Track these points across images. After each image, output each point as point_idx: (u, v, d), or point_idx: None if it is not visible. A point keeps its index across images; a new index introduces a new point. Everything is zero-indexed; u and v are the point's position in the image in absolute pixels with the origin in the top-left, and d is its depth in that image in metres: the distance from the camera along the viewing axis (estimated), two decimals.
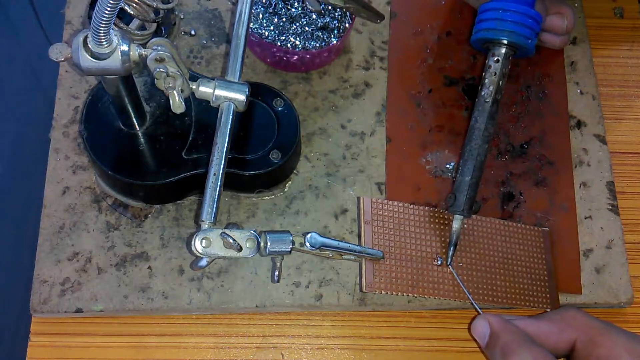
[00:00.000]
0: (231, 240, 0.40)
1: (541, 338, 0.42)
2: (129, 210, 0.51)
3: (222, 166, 0.43)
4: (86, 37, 0.40)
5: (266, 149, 0.49)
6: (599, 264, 0.52)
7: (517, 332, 0.43)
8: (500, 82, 0.50)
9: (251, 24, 0.55)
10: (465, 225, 0.50)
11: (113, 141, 0.49)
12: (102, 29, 0.38)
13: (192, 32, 0.57)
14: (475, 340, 0.45)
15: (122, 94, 0.45)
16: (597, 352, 0.41)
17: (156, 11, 0.51)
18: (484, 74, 0.51)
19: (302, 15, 0.56)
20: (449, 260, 0.49)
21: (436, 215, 0.51)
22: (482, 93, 0.50)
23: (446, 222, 0.50)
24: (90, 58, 0.40)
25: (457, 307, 0.50)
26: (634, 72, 0.61)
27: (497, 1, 0.51)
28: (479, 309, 0.47)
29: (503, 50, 0.50)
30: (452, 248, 0.49)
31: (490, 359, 0.43)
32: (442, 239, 0.50)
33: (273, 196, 0.52)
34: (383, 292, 0.47)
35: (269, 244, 0.42)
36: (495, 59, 0.50)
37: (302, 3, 0.56)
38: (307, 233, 0.44)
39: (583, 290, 0.51)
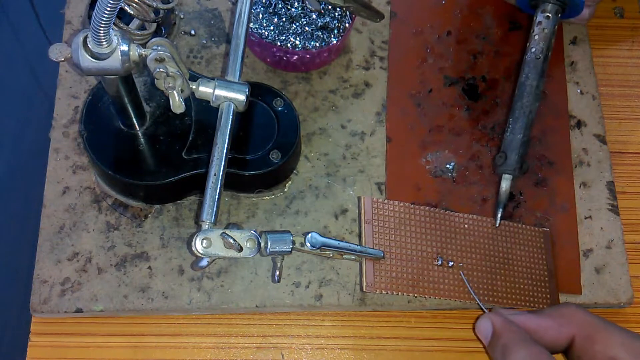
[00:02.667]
0: (232, 241, 0.40)
1: (540, 333, 0.43)
2: (129, 210, 0.51)
3: (222, 166, 0.43)
4: (86, 37, 0.40)
5: (266, 149, 0.49)
6: (599, 264, 0.52)
7: (517, 331, 0.43)
8: (552, 40, 0.49)
9: (251, 24, 0.55)
10: (465, 225, 0.50)
11: (113, 141, 0.49)
12: (102, 29, 0.38)
13: (192, 32, 0.57)
14: (479, 339, 0.46)
15: (122, 94, 0.45)
16: (595, 348, 0.41)
17: (156, 11, 0.51)
18: (532, 31, 0.50)
19: (302, 15, 0.56)
20: (498, 222, 0.48)
21: (436, 214, 0.51)
22: (533, 50, 0.49)
23: (446, 221, 0.50)
24: (90, 58, 0.40)
25: (457, 307, 0.50)
26: (634, 72, 0.61)
27: None
28: (484, 309, 0.48)
29: (554, 6, 0.50)
30: (500, 209, 0.48)
31: (492, 357, 0.44)
32: (443, 238, 0.50)
33: (273, 196, 0.52)
34: (384, 292, 0.47)
35: (269, 244, 0.42)
36: (546, 15, 0.50)
37: (302, 3, 0.56)
38: (308, 233, 0.44)
39: (583, 290, 0.51)
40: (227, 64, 0.47)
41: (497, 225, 0.49)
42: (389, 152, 0.54)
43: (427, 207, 0.51)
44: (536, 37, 0.49)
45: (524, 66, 0.49)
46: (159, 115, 0.50)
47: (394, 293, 0.47)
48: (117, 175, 0.48)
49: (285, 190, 0.52)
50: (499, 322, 0.44)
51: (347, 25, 0.56)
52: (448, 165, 0.54)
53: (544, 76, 0.49)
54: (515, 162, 0.47)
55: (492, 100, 0.57)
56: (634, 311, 0.52)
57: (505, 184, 0.48)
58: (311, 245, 0.43)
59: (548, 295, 0.50)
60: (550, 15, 0.49)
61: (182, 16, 0.58)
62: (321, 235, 0.44)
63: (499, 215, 0.49)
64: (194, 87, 0.45)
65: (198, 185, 0.49)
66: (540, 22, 0.49)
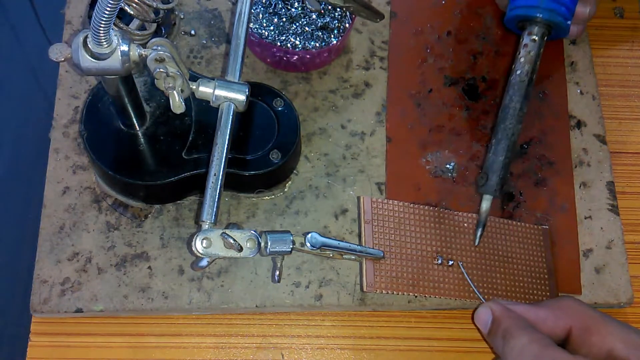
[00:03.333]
0: (232, 241, 0.40)
1: (538, 324, 0.43)
2: (129, 210, 0.51)
3: (222, 166, 0.43)
4: (86, 37, 0.40)
5: (266, 149, 0.49)
6: (599, 264, 0.52)
7: (518, 317, 0.43)
8: (537, 62, 0.49)
9: (251, 24, 0.55)
10: (465, 224, 0.50)
11: (113, 141, 0.49)
12: (102, 29, 0.38)
13: (192, 32, 0.57)
14: (478, 328, 0.46)
15: (122, 94, 0.45)
16: (592, 339, 0.41)
17: (156, 11, 0.51)
18: (518, 53, 0.50)
19: (302, 15, 0.56)
20: (477, 241, 0.49)
21: (436, 214, 0.51)
22: (518, 72, 0.49)
23: (446, 221, 0.50)
24: (90, 58, 0.40)
25: (457, 307, 0.50)
26: (634, 72, 0.61)
27: None
28: (482, 299, 0.48)
29: (541, 29, 0.50)
30: (480, 229, 0.48)
31: (492, 344, 0.44)
32: (443, 238, 0.50)
33: (273, 196, 0.52)
34: (384, 292, 0.47)
35: (269, 244, 0.42)
36: (533, 37, 0.50)
37: (302, 3, 0.56)
38: (308, 233, 0.44)
39: (583, 290, 0.51)
40: (227, 64, 0.47)
41: (477, 244, 0.49)
42: (389, 152, 0.54)
43: (427, 207, 0.51)
44: (522, 59, 0.49)
45: (509, 88, 0.49)
46: (159, 115, 0.50)
47: (394, 293, 0.47)
48: (117, 175, 0.48)
49: (285, 190, 0.52)
50: (498, 309, 0.44)
51: (347, 25, 0.56)
52: (448, 165, 0.54)
53: (528, 99, 0.49)
54: (496, 183, 0.48)
55: (492, 100, 0.57)
56: (634, 311, 0.52)
57: (485, 204, 0.48)
58: (311, 245, 0.43)
59: (548, 293, 0.50)
60: (536, 37, 0.50)
61: (182, 16, 0.58)
62: (321, 235, 0.44)
63: (479, 234, 0.49)
64: (194, 87, 0.45)
65: (198, 185, 0.49)
66: (526, 45, 0.50)
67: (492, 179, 0.48)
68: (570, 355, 0.39)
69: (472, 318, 0.46)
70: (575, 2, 0.50)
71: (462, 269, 0.49)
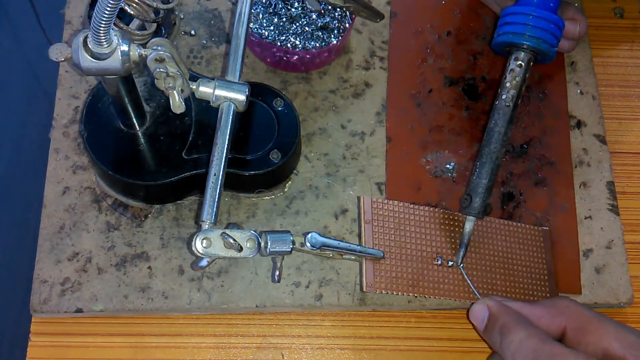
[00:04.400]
0: (232, 241, 0.40)
1: (533, 321, 0.43)
2: (129, 210, 0.51)
3: (222, 166, 0.43)
4: (86, 37, 0.40)
5: (266, 149, 0.49)
6: (599, 264, 0.52)
7: (515, 313, 0.43)
8: (522, 87, 0.50)
9: (251, 24, 0.55)
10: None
11: (113, 141, 0.49)
12: (102, 29, 0.38)
13: (192, 32, 0.57)
14: (473, 325, 0.45)
15: (122, 94, 0.45)
16: (587, 339, 0.41)
17: (156, 11, 0.51)
18: (504, 77, 0.51)
19: (302, 15, 0.56)
20: (460, 261, 0.49)
21: (436, 214, 0.51)
22: (503, 97, 0.50)
23: (446, 221, 0.50)
24: (90, 58, 0.40)
25: (457, 307, 0.50)
26: (634, 72, 0.61)
27: (523, 6, 0.51)
28: (478, 295, 0.48)
29: (527, 55, 0.50)
30: (463, 249, 0.49)
31: (489, 340, 0.44)
32: (443, 238, 0.50)
33: (273, 196, 0.52)
34: (384, 292, 0.47)
35: (269, 244, 0.42)
36: (519, 63, 0.50)
37: (302, 3, 0.56)
38: (308, 233, 0.44)
39: (583, 290, 0.51)
40: (227, 64, 0.47)
41: (459, 264, 0.49)
42: (389, 152, 0.54)
43: (427, 207, 0.51)
44: (507, 84, 0.50)
45: (494, 112, 0.50)
46: (159, 115, 0.50)
47: (394, 293, 0.47)
48: (117, 175, 0.48)
49: (285, 190, 0.52)
50: (495, 305, 0.44)
51: (347, 25, 0.56)
52: (448, 165, 0.54)
53: (512, 123, 0.50)
54: (479, 206, 0.49)
55: (492, 100, 0.57)
56: (634, 311, 0.52)
57: (469, 226, 0.49)
58: (311, 245, 0.43)
59: (548, 295, 0.50)
60: (522, 63, 0.50)
61: (182, 16, 0.58)
62: (321, 235, 0.44)
63: (462, 255, 0.49)
64: (194, 87, 0.45)
65: (198, 185, 0.49)
66: (512, 70, 0.50)
67: (476, 201, 0.49)
68: (569, 349, 0.39)
69: (467, 316, 0.46)
70: (561, 30, 0.51)
71: (463, 272, 0.49)
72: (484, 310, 0.44)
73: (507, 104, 0.50)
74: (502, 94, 0.50)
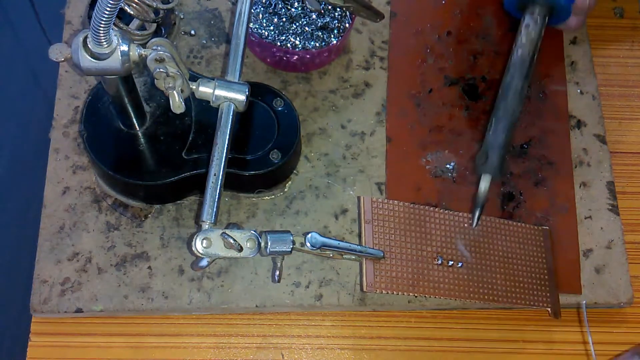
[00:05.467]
0: (232, 241, 0.40)
1: None
2: (129, 210, 0.51)
3: (222, 166, 0.43)
4: (86, 37, 0.40)
5: (266, 149, 0.49)
6: (599, 264, 0.52)
7: None
8: (538, 43, 0.49)
9: (251, 24, 0.55)
10: (465, 224, 0.50)
11: (113, 141, 0.49)
12: (102, 29, 0.38)
13: (192, 32, 0.57)
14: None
15: (122, 94, 0.45)
16: None
17: (156, 11, 0.51)
18: (519, 34, 0.50)
19: (302, 15, 0.56)
20: (475, 222, 0.47)
21: (436, 214, 0.50)
22: (519, 52, 0.49)
23: (446, 221, 0.50)
24: (90, 58, 0.40)
25: (457, 307, 0.50)
26: (634, 72, 0.61)
27: None
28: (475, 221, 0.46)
29: (542, 9, 0.50)
30: (478, 210, 0.47)
31: None
32: (443, 238, 0.50)
33: (273, 196, 0.52)
34: (384, 292, 0.47)
35: (269, 244, 0.42)
36: (535, 17, 0.50)
37: (302, 3, 0.56)
38: (308, 233, 0.44)
39: (583, 290, 0.51)
40: (227, 64, 0.47)
41: (474, 226, 0.47)
42: (389, 152, 0.54)
43: (427, 207, 0.51)
44: (523, 38, 0.49)
45: (509, 67, 0.49)
46: (159, 115, 0.50)
47: (394, 293, 0.47)
48: (117, 175, 0.48)
49: (285, 190, 0.52)
50: None
51: (347, 25, 0.56)
52: (448, 165, 0.54)
53: (528, 78, 0.48)
54: (496, 162, 0.46)
55: (492, 100, 0.57)
56: (634, 311, 0.52)
57: (484, 184, 0.46)
58: (311, 245, 0.43)
59: (548, 294, 0.50)
60: (538, 17, 0.49)
61: (182, 16, 0.58)
62: (321, 235, 0.44)
63: (477, 215, 0.47)
64: (194, 87, 0.45)
65: (198, 185, 0.49)
66: (527, 25, 0.49)
67: (493, 157, 0.46)
68: None
69: None
70: None
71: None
72: None
73: (523, 58, 0.49)
74: (518, 48, 0.49)
